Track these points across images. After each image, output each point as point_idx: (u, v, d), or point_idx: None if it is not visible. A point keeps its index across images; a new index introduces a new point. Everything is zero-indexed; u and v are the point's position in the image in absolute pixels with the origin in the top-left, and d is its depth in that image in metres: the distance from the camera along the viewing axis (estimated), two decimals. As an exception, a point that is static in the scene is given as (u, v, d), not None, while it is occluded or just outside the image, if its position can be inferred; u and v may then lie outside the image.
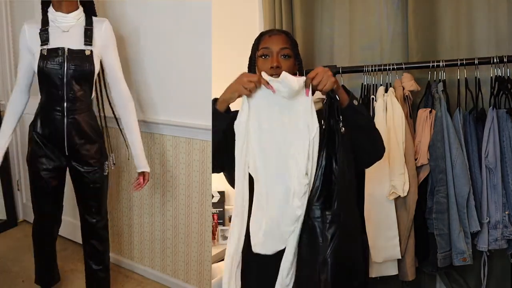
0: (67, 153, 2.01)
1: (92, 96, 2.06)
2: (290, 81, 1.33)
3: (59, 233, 2.97)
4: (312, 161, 1.33)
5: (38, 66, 1.88)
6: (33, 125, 2.03)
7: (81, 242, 2.28)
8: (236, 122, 1.39)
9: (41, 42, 1.90)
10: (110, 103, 2.16)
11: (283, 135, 1.37)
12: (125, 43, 2.37)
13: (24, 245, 2.30)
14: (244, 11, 2.70)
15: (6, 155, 3.04)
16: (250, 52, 1.53)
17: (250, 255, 1.38)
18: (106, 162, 2.11)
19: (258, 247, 1.36)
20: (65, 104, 1.93)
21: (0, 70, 3.04)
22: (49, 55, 1.88)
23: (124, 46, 2.38)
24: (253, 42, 1.53)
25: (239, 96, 1.38)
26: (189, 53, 2.14)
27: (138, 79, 2.35)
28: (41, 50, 1.89)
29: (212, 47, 2.08)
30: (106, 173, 2.11)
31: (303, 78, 1.35)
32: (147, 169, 2.13)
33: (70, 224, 2.69)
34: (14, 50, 2.96)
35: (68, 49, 1.90)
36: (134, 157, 2.13)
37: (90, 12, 2.01)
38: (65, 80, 1.90)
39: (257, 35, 1.53)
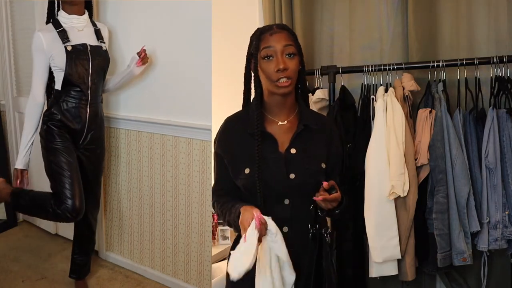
0: (81, 142, 2.13)
1: None
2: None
3: (59, 234, 2.99)
4: None
5: (66, 61, 1.99)
6: (49, 119, 2.07)
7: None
8: None
9: (63, 40, 2.01)
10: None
11: None
12: (124, 42, 2.37)
13: (24, 245, 2.29)
14: (244, 10, 2.70)
15: (6, 156, 3.07)
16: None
17: None
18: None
19: None
20: (89, 95, 2.08)
21: (0, 70, 3.04)
22: (74, 50, 2.02)
23: (124, 46, 2.38)
24: (249, 40, 1.45)
25: None
26: (189, 53, 2.14)
27: (137, 79, 2.35)
28: (65, 46, 2.00)
29: (212, 47, 2.08)
30: (103, 164, 2.31)
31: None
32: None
33: (71, 224, 2.69)
34: (14, 50, 2.96)
35: (89, 45, 2.07)
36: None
37: (91, 15, 2.17)
38: (90, 71, 2.06)
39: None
